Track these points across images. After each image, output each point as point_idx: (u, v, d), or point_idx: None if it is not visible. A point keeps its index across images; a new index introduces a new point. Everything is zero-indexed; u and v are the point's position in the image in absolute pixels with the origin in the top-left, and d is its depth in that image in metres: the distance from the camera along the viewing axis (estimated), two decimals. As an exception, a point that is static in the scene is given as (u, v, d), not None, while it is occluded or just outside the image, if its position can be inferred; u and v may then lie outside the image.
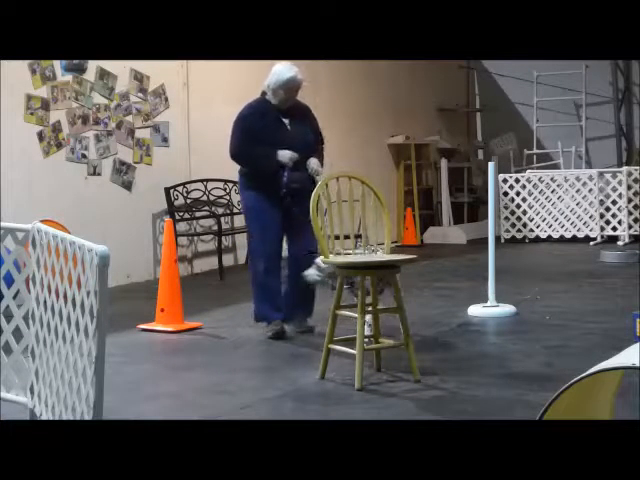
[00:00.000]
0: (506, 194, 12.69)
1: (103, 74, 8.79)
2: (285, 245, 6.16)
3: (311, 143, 6.05)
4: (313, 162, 5.97)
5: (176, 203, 9.53)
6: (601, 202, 12.13)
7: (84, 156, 8.60)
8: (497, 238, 7.65)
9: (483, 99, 15.55)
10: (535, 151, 14.43)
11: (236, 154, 6.03)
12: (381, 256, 4.97)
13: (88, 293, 3.21)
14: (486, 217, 7.75)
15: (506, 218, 12.65)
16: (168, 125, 9.55)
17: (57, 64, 8.29)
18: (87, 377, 3.20)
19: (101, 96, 8.79)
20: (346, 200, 4.99)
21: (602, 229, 12.11)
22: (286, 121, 5.99)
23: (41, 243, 3.67)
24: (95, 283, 3.14)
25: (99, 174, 8.76)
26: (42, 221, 3.87)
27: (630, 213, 11.95)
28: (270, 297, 6.03)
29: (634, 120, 14.61)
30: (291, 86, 5.89)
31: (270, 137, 5.92)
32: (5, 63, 7.50)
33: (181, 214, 9.53)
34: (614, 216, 12.03)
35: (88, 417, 3.18)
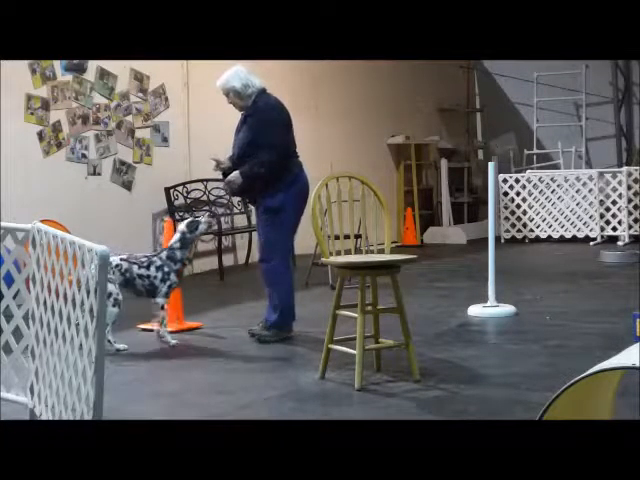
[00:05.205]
0: (506, 194, 12.69)
1: (103, 74, 8.79)
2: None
3: (243, 149, 5.92)
4: (232, 174, 5.95)
5: (176, 203, 9.54)
6: (601, 202, 12.13)
7: (84, 156, 8.60)
8: (497, 238, 7.65)
9: (483, 99, 15.55)
10: (535, 151, 14.43)
11: None
12: (381, 256, 4.97)
13: (88, 293, 3.21)
14: (486, 217, 7.76)
15: (506, 218, 12.66)
16: (168, 125, 9.56)
17: (57, 64, 8.29)
18: (87, 377, 3.20)
19: (101, 96, 8.79)
20: (346, 200, 4.99)
21: (602, 229, 12.11)
22: (241, 126, 6.01)
23: (41, 243, 3.67)
24: (95, 283, 3.14)
25: (99, 174, 8.77)
26: (42, 221, 3.87)
27: (630, 213, 11.95)
28: None
29: (634, 120, 14.61)
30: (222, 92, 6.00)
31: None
32: (5, 63, 7.50)
33: (181, 214, 9.53)
34: (614, 216, 12.04)
35: (88, 417, 3.18)
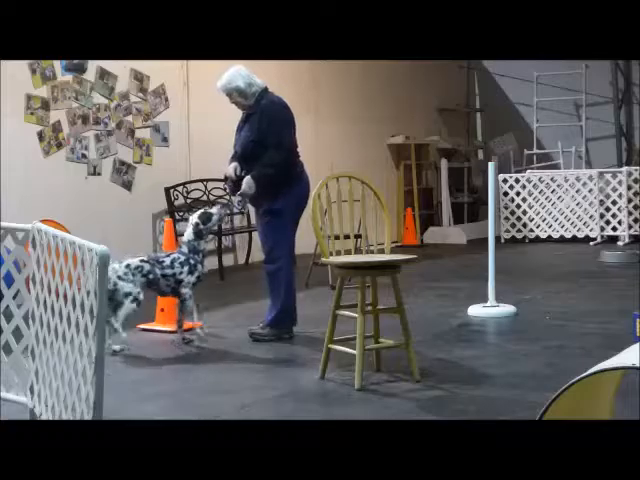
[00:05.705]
0: (506, 194, 12.69)
1: (103, 74, 8.79)
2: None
3: (247, 148, 5.86)
4: (244, 182, 5.82)
5: (176, 203, 9.53)
6: (601, 202, 12.14)
7: (84, 156, 8.60)
8: (497, 238, 7.65)
9: (483, 99, 15.55)
10: (535, 151, 14.43)
11: None
12: (381, 256, 4.97)
13: (88, 293, 3.21)
14: (486, 217, 7.75)
15: (506, 218, 12.66)
16: (168, 125, 9.56)
17: (57, 64, 8.30)
18: (87, 377, 3.20)
19: (101, 96, 8.80)
20: (346, 200, 4.99)
21: (602, 229, 12.11)
22: (243, 124, 5.98)
23: (41, 243, 3.66)
24: (95, 283, 3.14)
25: (99, 174, 8.77)
26: (42, 221, 3.87)
27: (630, 213, 11.95)
28: None
29: (634, 120, 14.60)
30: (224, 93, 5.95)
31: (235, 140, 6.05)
32: (5, 63, 7.50)
33: (181, 214, 9.53)
34: (614, 216, 12.04)
35: (88, 417, 3.18)
